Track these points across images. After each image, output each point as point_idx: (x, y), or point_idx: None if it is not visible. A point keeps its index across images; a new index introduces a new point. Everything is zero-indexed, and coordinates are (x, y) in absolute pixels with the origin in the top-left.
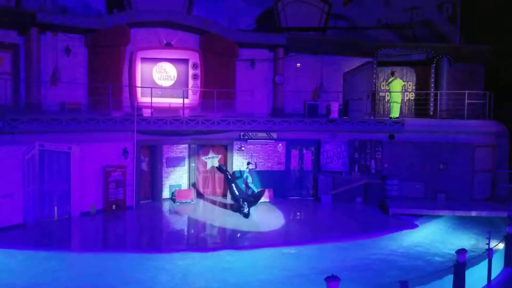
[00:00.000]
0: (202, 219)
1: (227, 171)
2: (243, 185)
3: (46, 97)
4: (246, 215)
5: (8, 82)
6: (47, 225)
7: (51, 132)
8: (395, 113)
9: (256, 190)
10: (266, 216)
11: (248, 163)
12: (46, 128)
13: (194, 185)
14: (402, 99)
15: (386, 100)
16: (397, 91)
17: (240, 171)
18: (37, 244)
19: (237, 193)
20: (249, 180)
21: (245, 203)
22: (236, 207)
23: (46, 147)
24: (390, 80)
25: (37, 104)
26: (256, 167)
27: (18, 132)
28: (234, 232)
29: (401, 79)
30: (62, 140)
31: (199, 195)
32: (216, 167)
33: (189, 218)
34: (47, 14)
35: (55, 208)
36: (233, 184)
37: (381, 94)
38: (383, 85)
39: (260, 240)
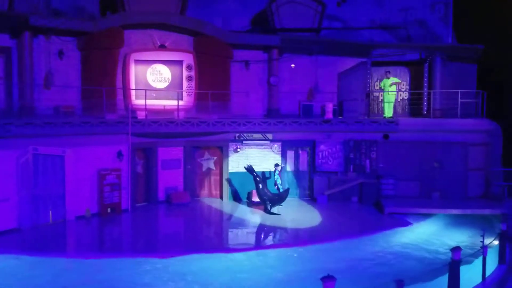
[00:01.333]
0: (198, 221)
1: (255, 172)
2: (275, 186)
3: (39, 100)
4: (269, 212)
5: (0, 86)
6: (42, 230)
7: (45, 136)
8: (388, 112)
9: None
10: (262, 217)
11: (276, 165)
12: (40, 132)
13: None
14: (396, 99)
15: (380, 100)
16: (389, 91)
17: (270, 172)
18: (32, 248)
19: (262, 194)
20: (279, 181)
21: (270, 204)
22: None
23: (40, 151)
24: (385, 80)
25: (31, 108)
26: (281, 169)
27: (11, 136)
28: (231, 233)
29: (395, 78)
30: (56, 143)
31: (196, 197)
32: (245, 167)
33: (185, 221)
34: (40, 17)
35: (50, 212)
36: (260, 185)
37: (375, 94)
38: (377, 85)
39: (257, 241)
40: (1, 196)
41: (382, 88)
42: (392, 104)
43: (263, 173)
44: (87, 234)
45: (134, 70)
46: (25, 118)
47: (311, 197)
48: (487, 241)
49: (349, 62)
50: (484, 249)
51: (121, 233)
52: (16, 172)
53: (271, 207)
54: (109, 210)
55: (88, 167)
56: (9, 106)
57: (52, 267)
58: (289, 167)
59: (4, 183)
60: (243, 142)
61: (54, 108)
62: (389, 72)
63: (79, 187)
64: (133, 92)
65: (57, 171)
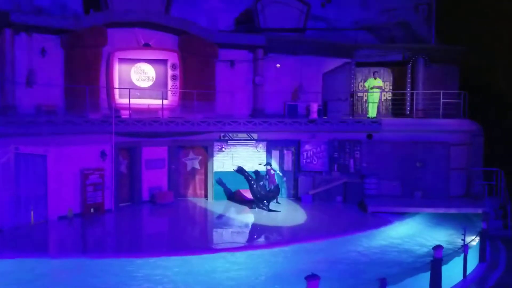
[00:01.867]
0: (182, 221)
1: (247, 172)
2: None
3: (21, 99)
4: (268, 209)
5: None
6: (24, 230)
7: (27, 135)
8: (372, 112)
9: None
10: (247, 217)
11: (266, 164)
12: (22, 131)
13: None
14: (379, 99)
15: (364, 100)
16: (374, 91)
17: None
18: (13, 249)
19: (256, 192)
20: (276, 177)
21: (265, 201)
22: (257, 205)
23: (22, 150)
24: (371, 80)
25: (12, 106)
26: (270, 166)
27: None
28: (215, 233)
29: (380, 79)
30: (38, 143)
31: (180, 197)
32: (235, 170)
33: (169, 221)
34: (22, 14)
35: (32, 212)
36: (253, 184)
37: (359, 94)
38: (361, 85)
39: (241, 241)
40: None
41: (367, 88)
42: (376, 105)
43: (255, 171)
44: (70, 234)
45: (118, 69)
46: (6, 117)
47: (296, 196)
48: (468, 239)
49: (334, 63)
50: (465, 247)
51: (104, 234)
52: None
53: (268, 204)
54: (92, 210)
55: (71, 167)
56: None
57: (34, 268)
58: (273, 167)
59: None
60: (228, 141)
61: (36, 107)
62: (376, 72)
63: (61, 187)
64: (117, 91)
65: (39, 170)
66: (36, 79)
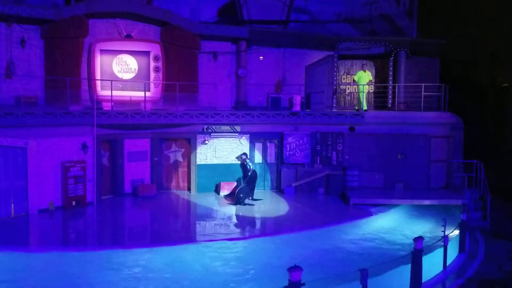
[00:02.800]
0: (165, 214)
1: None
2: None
3: (0, 90)
4: (243, 204)
5: None
6: (3, 223)
7: (6, 127)
8: (364, 105)
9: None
10: (229, 208)
11: (242, 154)
12: (1, 123)
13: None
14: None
15: (346, 93)
16: (362, 83)
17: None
18: None
19: (242, 190)
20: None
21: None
22: (237, 200)
23: (1, 142)
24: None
25: None
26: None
27: None
28: (198, 225)
29: (369, 71)
30: (18, 135)
31: (163, 189)
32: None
33: (151, 213)
34: (1, 4)
35: (12, 205)
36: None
37: (342, 87)
38: (343, 78)
39: (224, 233)
40: None
41: (357, 81)
42: (364, 96)
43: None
44: (51, 227)
45: (99, 60)
46: None
47: (278, 188)
48: (448, 231)
49: (316, 55)
50: (445, 238)
51: (85, 226)
52: None
53: (244, 199)
54: (73, 203)
55: (51, 159)
56: None
57: (13, 261)
58: (257, 159)
59: None
60: (211, 134)
61: (16, 99)
62: (365, 64)
63: (42, 180)
64: (98, 83)
65: (19, 163)
66: (16, 70)
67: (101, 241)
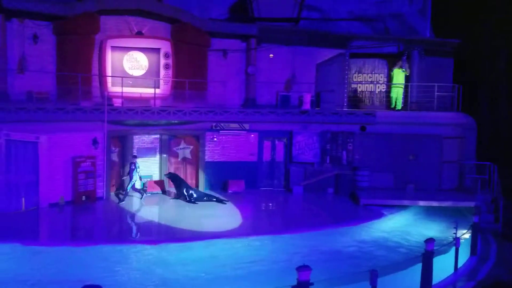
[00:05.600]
0: (173, 210)
1: (179, 178)
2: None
3: (12, 85)
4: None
5: None
6: (14, 217)
7: (18, 122)
8: (395, 104)
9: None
10: (237, 207)
11: (134, 155)
12: (13, 118)
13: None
14: (373, 91)
15: (358, 92)
16: (397, 82)
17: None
18: (3, 236)
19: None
20: (135, 179)
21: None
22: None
23: (13, 136)
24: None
25: (3, 93)
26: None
27: None
28: (201, 222)
29: (398, 69)
30: (29, 130)
31: (171, 186)
32: (167, 176)
33: (160, 209)
34: (14, 0)
35: (23, 199)
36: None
37: (353, 85)
38: (355, 77)
39: (230, 230)
40: None
41: (393, 79)
42: (400, 97)
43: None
44: (60, 222)
45: (110, 56)
46: None
47: (286, 187)
48: (459, 233)
49: (328, 53)
50: (456, 240)
51: (95, 221)
52: None
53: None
54: (83, 197)
55: (62, 154)
56: None
57: (23, 254)
58: (265, 158)
59: None
60: (220, 131)
61: (28, 94)
62: (400, 60)
63: (53, 174)
64: (109, 79)
65: (30, 157)
66: (28, 65)
67: (108, 236)
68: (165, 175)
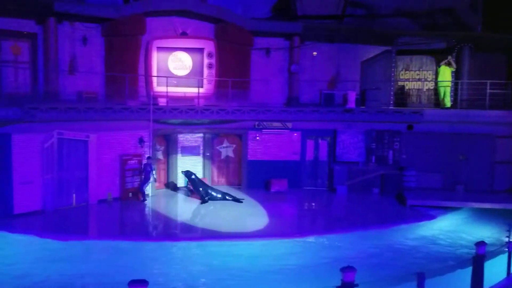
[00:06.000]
0: (216, 208)
1: (194, 175)
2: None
3: (64, 86)
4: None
5: (27, 71)
6: (65, 212)
7: (69, 121)
8: (443, 102)
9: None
10: (280, 206)
11: (149, 158)
12: (64, 117)
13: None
14: (421, 89)
15: (405, 90)
16: (444, 79)
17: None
18: (55, 230)
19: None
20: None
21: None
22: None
23: (65, 135)
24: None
25: (55, 93)
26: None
27: (37, 120)
28: (247, 221)
29: (445, 66)
30: (79, 128)
31: (214, 184)
32: (183, 173)
33: (204, 207)
34: (64, 3)
35: (73, 195)
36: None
37: (399, 83)
38: (401, 74)
39: (274, 230)
40: (27, 178)
41: (440, 76)
42: (448, 93)
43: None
44: (108, 217)
45: (156, 57)
46: (49, 103)
47: (330, 187)
48: None
49: (373, 50)
50: (509, 244)
51: (141, 218)
52: (41, 155)
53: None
54: (130, 194)
55: (110, 152)
56: (34, 91)
57: (74, 249)
58: (308, 157)
59: (30, 166)
60: (262, 130)
61: (78, 94)
62: (451, 57)
63: (101, 172)
64: (154, 79)
65: (80, 155)
66: (78, 66)
67: (154, 233)
68: (182, 172)
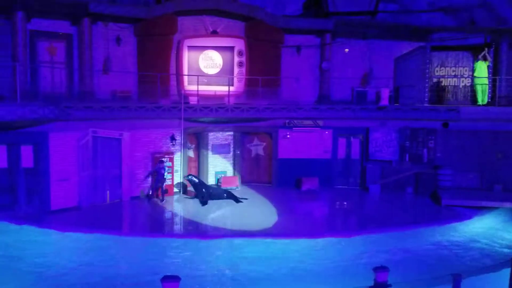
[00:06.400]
0: (246, 206)
1: (196, 179)
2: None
3: (98, 85)
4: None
5: (62, 71)
6: (100, 209)
7: (103, 120)
8: (480, 99)
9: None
10: (311, 205)
11: (161, 161)
12: (99, 116)
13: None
14: (458, 85)
15: (440, 87)
16: (480, 76)
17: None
18: (91, 226)
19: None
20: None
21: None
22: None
23: (99, 133)
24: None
25: (90, 92)
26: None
27: (72, 119)
28: (278, 219)
29: (482, 61)
30: (113, 127)
31: (245, 182)
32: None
33: (232, 205)
34: (98, 4)
35: (107, 192)
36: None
37: (434, 80)
38: (436, 71)
39: (304, 229)
40: (63, 175)
41: (476, 72)
42: (481, 90)
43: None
44: (141, 214)
45: (187, 56)
46: (84, 102)
47: (362, 186)
48: None
49: (407, 47)
50: None
51: (173, 214)
52: (77, 153)
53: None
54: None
55: (142, 150)
56: (70, 91)
57: (108, 244)
58: (340, 155)
59: (66, 163)
60: (293, 128)
61: (112, 93)
62: (482, 52)
63: (134, 169)
64: (185, 78)
65: (114, 153)
66: (112, 66)
67: (185, 230)
68: (184, 177)
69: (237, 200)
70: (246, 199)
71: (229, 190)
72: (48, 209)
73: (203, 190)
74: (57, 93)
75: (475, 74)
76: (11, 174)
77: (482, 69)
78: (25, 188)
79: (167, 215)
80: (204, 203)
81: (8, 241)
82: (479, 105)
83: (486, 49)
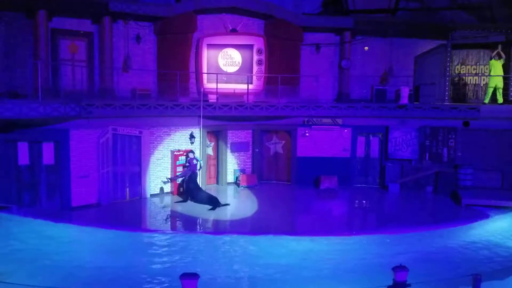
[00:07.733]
0: (266, 204)
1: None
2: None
3: (118, 83)
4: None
5: (83, 69)
6: (120, 206)
7: (123, 117)
8: (488, 99)
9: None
10: (330, 204)
11: (189, 152)
12: (119, 113)
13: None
14: (478, 83)
15: (461, 85)
16: (494, 74)
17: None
18: (111, 223)
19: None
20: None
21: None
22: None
23: (119, 131)
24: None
25: (110, 90)
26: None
27: (93, 116)
28: (296, 219)
29: (496, 60)
30: (133, 124)
31: (263, 180)
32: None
33: (253, 203)
34: (119, 3)
35: (127, 189)
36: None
37: (455, 78)
38: (457, 69)
39: (324, 228)
40: (83, 172)
41: (490, 71)
42: (492, 89)
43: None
44: (161, 211)
45: (206, 54)
46: (105, 100)
47: (382, 185)
48: None
49: (427, 45)
50: None
51: (193, 211)
52: (97, 150)
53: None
54: (181, 189)
55: (162, 148)
56: (90, 88)
57: (128, 241)
58: (359, 153)
59: (86, 160)
60: (312, 126)
61: (132, 91)
62: (496, 50)
63: (153, 167)
64: (205, 76)
65: (134, 150)
66: (132, 64)
67: (205, 226)
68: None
69: (214, 207)
70: (228, 204)
71: (214, 196)
72: (69, 206)
73: (186, 186)
74: (78, 91)
75: (491, 73)
76: (33, 171)
77: (496, 67)
78: (46, 184)
79: (189, 211)
80: (185, 200)
81: (30, 237)
82: (500, 103)
83: (499, 46)
